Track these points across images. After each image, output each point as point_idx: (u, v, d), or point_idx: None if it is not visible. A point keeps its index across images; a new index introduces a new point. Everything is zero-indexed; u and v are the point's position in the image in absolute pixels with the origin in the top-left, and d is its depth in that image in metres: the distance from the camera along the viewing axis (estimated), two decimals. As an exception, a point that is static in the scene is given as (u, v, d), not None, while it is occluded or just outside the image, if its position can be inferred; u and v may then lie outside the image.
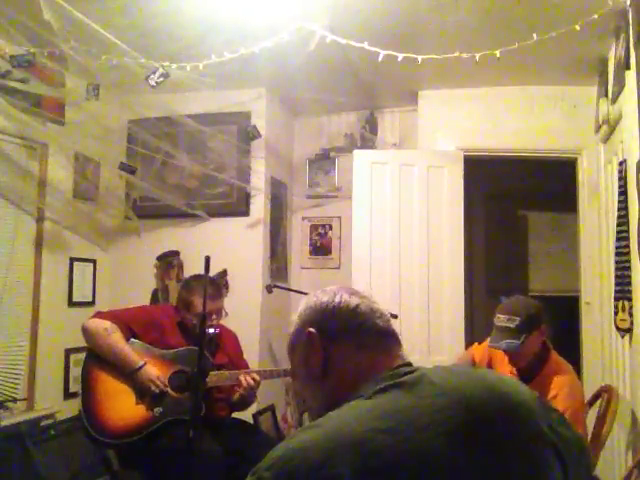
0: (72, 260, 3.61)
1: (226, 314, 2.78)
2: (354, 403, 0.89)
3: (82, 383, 2.54)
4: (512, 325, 2.22)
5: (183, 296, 2.74)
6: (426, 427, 0.81)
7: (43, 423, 3.22)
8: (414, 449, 0.79)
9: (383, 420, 0.82)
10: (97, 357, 2.55)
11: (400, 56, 2.63)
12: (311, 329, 1.03)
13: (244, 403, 2.74)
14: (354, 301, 1.05)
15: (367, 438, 0.79)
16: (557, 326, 5.15)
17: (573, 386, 2.19)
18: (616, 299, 2.86)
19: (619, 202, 2.82)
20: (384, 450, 0.78)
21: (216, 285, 2.76)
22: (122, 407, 2.50)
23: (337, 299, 1.05)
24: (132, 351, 2.55)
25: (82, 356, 2.65)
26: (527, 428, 0.87)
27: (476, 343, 2.73)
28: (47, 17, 2.40)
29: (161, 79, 2.75)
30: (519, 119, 3.74)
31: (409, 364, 1.00)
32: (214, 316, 2.64)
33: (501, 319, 2.27)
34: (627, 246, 2.69)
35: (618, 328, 2.84)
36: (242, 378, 2.60)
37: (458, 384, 0.90)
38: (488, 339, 2.36)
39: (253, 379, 2.61)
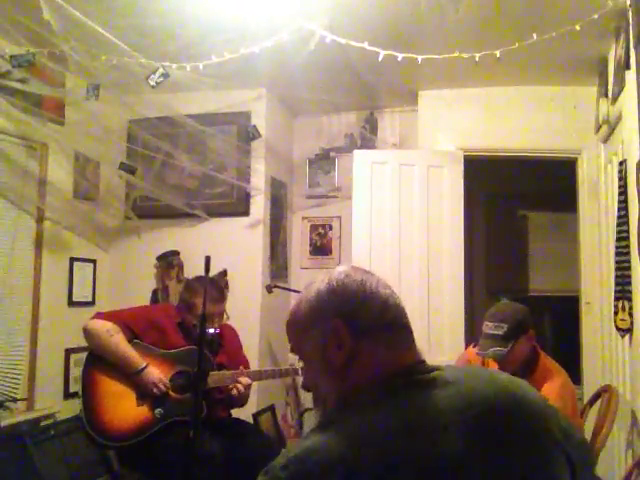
0: (72, 260, 3.61)
1: (227, 317, 2.77)
2: (370, 402, 0.86)
3: (82, 385, 2.54)
4: (499, 332, 2.21)
5: (185, 298, 2.73)
6: (444, 428, 0.81)
7: (43, 423, 3.22)
8: (433, 450, 0.78)
9: (400, 420, 0.82)
10: (98, 358, 2.55)
11: (400, 56, 2.63)
12: (338, 320, 0.93)
13: (239, 402, 2.75)
14: (383, 293, 0.96)
15: (383, 439, 0.79)
16: (557, 326, 5.19)
17: (564, 391, 2.18)
18: (616, 299, 2.86)
19: (619, 202, 2.82)
20: (402, 451, 0.78)
21: (219, 288, 2.75)
22: (123, 409, 2.50)
23: (368, 289, 0.95)
24: (134, 352, 2.55)
25: (82, 356, 2.65)
26: (539, 429, 0.88)
27: (472, 345, 2.73)
28: (47, 17, 2.40)
29: (161, 79, 2.75)
30: (519, 119, 3.74)
31: (423, 362, 0.97)
32: (216, 319, 2.64)
33: (489, 326, 2.26)
34: (627, 246, 2.68)
35: (618, 328, 2.84)
36: (234, 390, 2.61)
37: (473, 385, 0.90)
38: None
39: (242, 385, 2.62)
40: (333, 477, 0.75)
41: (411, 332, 0.98)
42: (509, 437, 0.84)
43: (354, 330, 0.92)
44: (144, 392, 2.52)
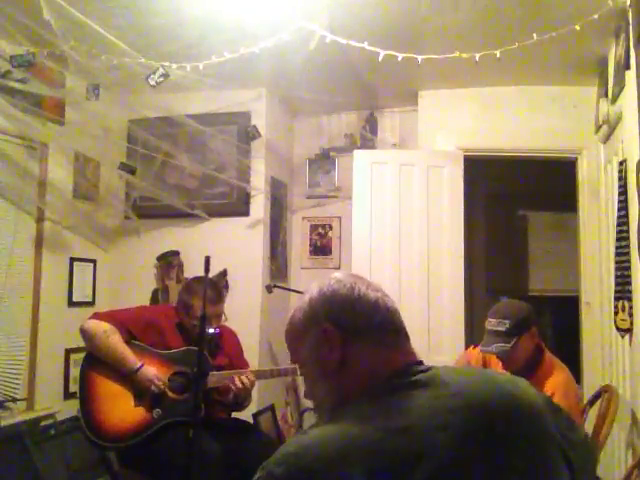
0: (72, 260, 3.61)
1: (225, 318, 2.76)
2: (366, 402, 0.87)
3: (80, 386, 2.53)
4: (502, 329, 2.22)
5: (183, 299, 2.72)
6: (440, 427, 0.81)
7: (43, 423, 3.22)
8: (428, 449, 0.78)
9: (396, 419, 0.82)
10: (95, 359, 2.55)
11: (400, 56, 2.63)
12: (328, 325, 0.96)
13: (238, 404, 2.72)
14: (373, 296, 0.99)
15: (380, 438, 0.79)
16: (557, 326, 5.19)
17: (567, 386, 2.19)
18: (616, 299, 2.86)
19: (619, 202, 2.82)
20: (397, 450, 0.78)
21: (217, 289, 2.73)
22: (121, 410, 2.49)
23: (356, 292, 0.99)
24: (131, 352, 2.54)
25: (82, 356, 2.64)
26: (536, 429, 0.88)
27: (472, 346, 2.73)
28: (47, 17, 2.40)
29: (161, 79, 2.75)
30: (519, 119, 3.74)
31: (421, 362, 0.98)
32: (214, 320, 2.62)
33: (492, 323, 2.27)
34: (627, 246, 2.68)
35: (618, 328, 2.84)
36: (236, 379, 2.58)
37: (471, 385, 0.90)
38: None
39: (247, 378, 2.59)
40: (329, 475, 0.75)
41: (405, 334, 1.00)
42: (506, 437, 0.84)
43: (344, 332, 0.96)
44: (142, 392, 2.51)
